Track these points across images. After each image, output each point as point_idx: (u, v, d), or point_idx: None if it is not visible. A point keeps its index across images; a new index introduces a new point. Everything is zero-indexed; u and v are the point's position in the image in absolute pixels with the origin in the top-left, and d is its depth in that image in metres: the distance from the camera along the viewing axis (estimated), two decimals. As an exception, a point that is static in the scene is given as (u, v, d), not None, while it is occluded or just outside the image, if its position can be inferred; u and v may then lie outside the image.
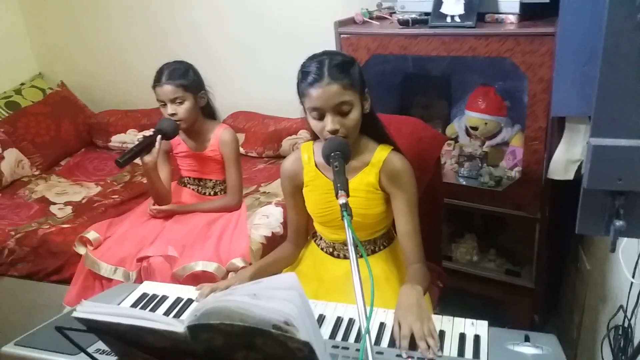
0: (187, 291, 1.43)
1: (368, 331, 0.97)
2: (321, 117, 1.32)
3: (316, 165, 1.48)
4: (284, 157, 2.71)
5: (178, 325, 0.75)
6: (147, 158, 1.87)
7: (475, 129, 2.26)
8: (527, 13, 1.83)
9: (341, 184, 1.19)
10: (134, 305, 1.38)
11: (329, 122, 1.30)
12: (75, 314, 0.79)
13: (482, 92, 2.24)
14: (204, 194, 2.12)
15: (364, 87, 1.35)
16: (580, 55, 1.60)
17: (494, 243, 2.28)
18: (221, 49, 2.97)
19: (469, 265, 2.22)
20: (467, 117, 2.29)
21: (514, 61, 1.77)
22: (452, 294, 1.75)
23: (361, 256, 1.14)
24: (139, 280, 1.86)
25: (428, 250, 1.53)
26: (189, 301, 1.38)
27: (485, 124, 2.23)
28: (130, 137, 3.03)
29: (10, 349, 1.16)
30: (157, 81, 1.93)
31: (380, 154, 1.44)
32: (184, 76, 1.93)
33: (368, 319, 1.00)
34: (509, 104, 2.28)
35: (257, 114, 2.91)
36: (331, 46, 2.42)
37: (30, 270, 2.12)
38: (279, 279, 0.77)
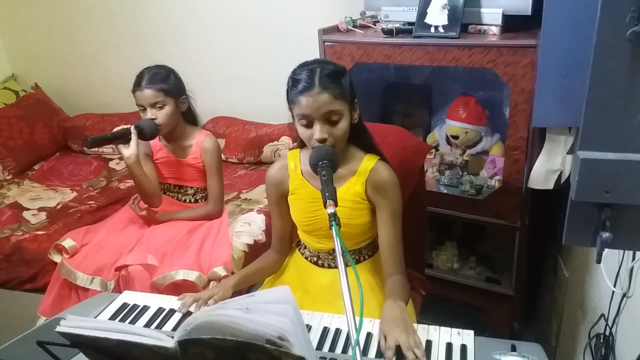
0: (169, 301, 1.40)
1: (358, 343, 0.96)
2: (310, 125, 1.32)
3: (302, 173, 1.47)
4: (265, 163, 2.74)
5: (168, 340, 0.73)
6: (127, 152, 1.82)
7: (455, 137, 2.28)
8: (509, 25, 1.86)
9: (329, 193, 1.18)
10: (114, 316, 1.34)
11: (318, 131, 1.29)
12: (59, 329, 0.77)
13: (463, 102, 2.26)
14: (184, 201, 2.09)
15: (353, 97, 1.35)
16: (562, 67, 1.62)
17: (474, 250, 2.30)
18: (201, 54, 2.94)
19: (450, 272, 2.24)
20: (447, 125, 2.31)
21: (497, 72, 1.79)
22: (433, 301, 1.76)
23: (349, 265, 1.12)
24: (117, 289, 1.82)
25: (411, 258, 1.53)
26: (171, 312, 1.35)
27: (466, 133, 2.25)
28: (107, 142, 2.97)
29: (-15, 362, 1.11)
30: (137, 85, 1.89)
31: (367, 163, 1.43)
32: (164, 80, 1.90)
33: (358, 330, 0.99)
34: (489, 114, 2.31)
35: (238, 120, 2.89)
36: (314, 53, 2.41)
37: (2, 278, 2.05)
38: (272, 293, 0.75)
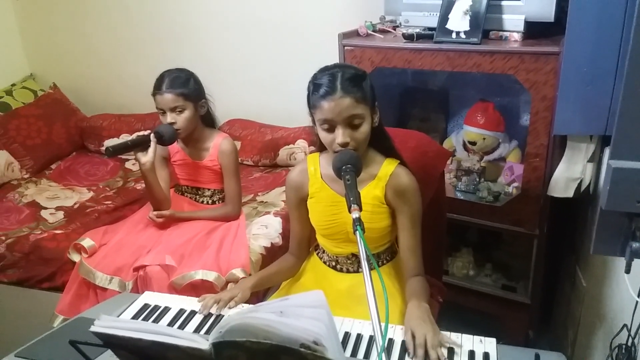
0: (190, 302, 1.40)
1: (384, 349, 0.96)
2: (331, 130, 1.32)
3: (322, 177, 1.48)
4: (281, 166, 2.74)
5: (203, 342, 0.73)
6: (144, 159, 1.84)
7: (473, 143, 2.28)
8: (530, 31, 1.85)
9: (354, 198, 1.18)
10: (136, 316, 1.35)
11: (340, 135, 1.30)
12: (93, 328, 0.77)
13: (482, 108, 2.26)
14: (202, 202, 2.10)
15: (374, 100, 1.35)
16: (585, 75, 1.62)
17: (489, 257, 2.29)
18: (218, 56, 2.95)
19: (465, 279, 2.23)
20: (465, 131, 2.31)
21: (518, 78, 1.79)
22: (447, 308, 1.75)
23: (373, 268, 1.12)
24: (135, 290, 1.83)
25: (429, 265, 1.53)
26: (192, 313, 1.36)
27: (484, 139, 2.25)
28: (123, 142, 2.99)
29: (10, 360, 1.12)
30: (158, 89, 1.90)
31: (387, 167, 1.43)
32: (185, 85, 1.91)
33: (384, 336, 0.99)
34: (505, 120, 2.30)
35: (254, 122, 2.90)
36: (332, 57, 2.41)
37: (20, 276, 2.07)
38: (306, 297, 0.76)
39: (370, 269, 1.11)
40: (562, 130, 1.73)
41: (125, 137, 2.97)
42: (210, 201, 2.10)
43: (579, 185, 1.80)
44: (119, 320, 0.75)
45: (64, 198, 2.54)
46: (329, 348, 0.70)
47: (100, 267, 1.86)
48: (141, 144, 1.84)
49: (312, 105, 1.34)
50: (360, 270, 1.53)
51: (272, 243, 2.00)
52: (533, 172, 1.88)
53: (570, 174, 1.79)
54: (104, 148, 3.00)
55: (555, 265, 2.25)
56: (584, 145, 1.76)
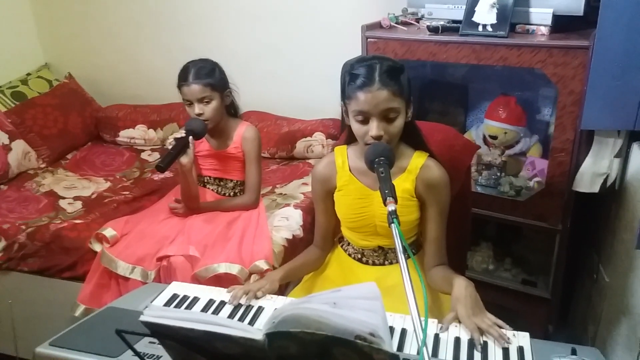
0: (218, 293, 1.40)
1: (425, 343, 0.96)
2: (365, 122, 1.31)
3: (350, 169, 1.47)
4: (298, 159, 2.74)
5: (256, 333, 0.73)
6: (184, 159, 1.84)
7: (494, 137, 2.26)
8: (558, 25, 1.84)
9: (389, 190, 1.17)
10: (166, 305, 1.35)
11: (374, 128, 1.29)
12: (143, 318, 0.77)
13: (503, 102, 2.25)
14: (224, 194, 2.09)
15: (410, 94, 1.34)
16: (615, 70, 1.61)
17: (509, 252, 2.28)
18: (235, 47, 2.93)
19: (485, 274, 2.22)
20: (486, 125, 2.29)
21: (545, 73, 1.77)
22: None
23: (408, 257, 1.11)
24: (157, 279, 1.83)
25: (453, 260, 1.52)
26: (222, 303, 1.36)
27: (505, 133, 2.23)
28: (139, 133, 2.99)
29: (45, 349, 1.12)
30: (184, 80, 1.89)
31: (417, 160, 1.43)
32: (210, 75, 1.90)
33: (424, 330, 0.98)
34: (526, 115, 2.29)
35: (270, 115, 2.89)
36: (351, 50, 2.39)
37: (41, 265, 2.07)
38: (359, 289, 0.75)
39: (407, 261, 1.10)
40: (590, 125, 1.72)
41: (140, 128, 2.99)
42: (232, 193, 2.09)
43: (605, 180, 1.79)
44: (169, 310, 0.75)
45: (81, 188, 2.54)
46: (386, 340, 0.69)
47: (122, 256, 1.86)
48: (183, 149, 1.84)
49: (347, 96, 1.33)
50: (386, 262, 1.53)
51: (293, 235, 1.99)
52: (558, 167, 1.86)
53: (596, 169, 1.78)
54: (118, 138, 3.01)
55: (574, 261, 2.24)
56: (611, 140, 1.75)
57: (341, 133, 1.50)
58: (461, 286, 1.26)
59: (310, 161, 2.65)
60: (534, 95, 2.30)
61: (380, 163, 1.25)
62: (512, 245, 2.30)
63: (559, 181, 1.88)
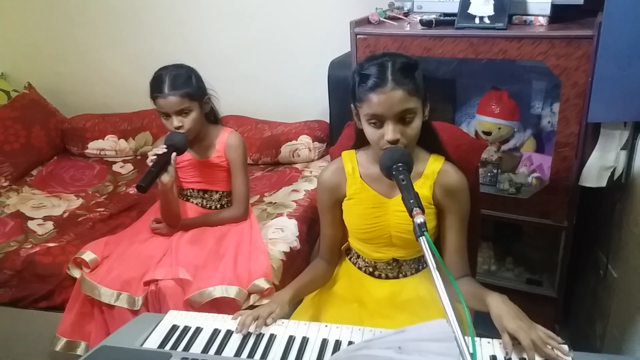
0: (223, 321, 1.26)
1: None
2: (380, 125, 1.20)
3: (361, 176, 1.36)
4: (283, 164, 2.61)
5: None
6: (165, 178, 1.68)
7: (488, 133, 2.19)
8: (556, 15, 1.77)
9: (415, 200, 1.06)
10: (166, 339, 1.21)
11: (390, 131, 1.18)
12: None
13: (495, 96, 2.17)
14: (209, 207, 1.96)
15: (426, 92, 1.24)
16: (621, 59, 1.55)
17: (509, 251, 2.22)
18: (208, 49, 2.78)
19: (487, 274, 2.15)
20: (479, 121, 2.22)
21: (547, 64, 1.70)
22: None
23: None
24: (145, 306, 1.68)
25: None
26: (229, 333, 1.22)
27: (499, 128, 2.16)
28: (109, 144, 2.82)
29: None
30: (159, 91, 1.72)
31: (434, 165, 1.33)
32: (187, 83, 1.75)
33: (474, 355, 0.88)
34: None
35: (249, 119, 2.75)
36: (338, 48, 2.31)
37: (14, 296, 1.88)
38: (428, 328, 0.64)
39: (442, 275, 0.98)
40: (597, 118, 1.66)
41: (110, 139, 2.81)
42: (218, 205, 1.96)
43: (612, 174, 1.74)
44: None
45: (50, 207, 2.35)
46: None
47: (105, 282, 1.70)
48: (164, 166, 1.68)
49: (358, 99, 1.21)
50: (400, 276, 1.44)
51: (291, 247, 1.87)
52: (562, 162, 1.80)
53: (603, 162, 1.72)
54: (87, 151, 2.82)
55: (577, 258, 2.19)
56: (618, 132, 1.69)
57: (356, 138, 1.38)
58: (498, 302, 1.15)
59: (297, 166, 2.54)
60: (525, 88, 2.24)
61: (400, 170, 1.14)
62: (513, 244, 2.24)
63: (563, 176, 1.81)
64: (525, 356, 1.04)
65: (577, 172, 1.77)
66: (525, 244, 2.22)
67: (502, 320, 1.10)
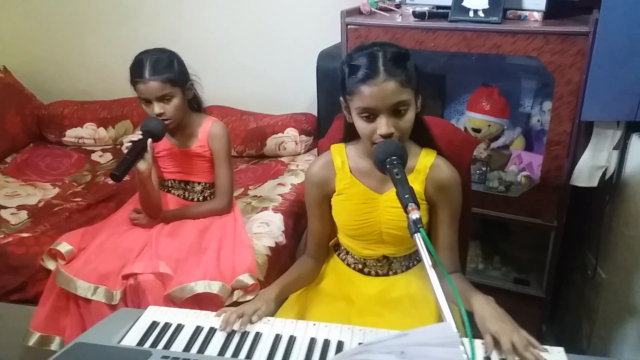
0: (205, 318, 1.21)
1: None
2: (372, 119, 1.15)
3: (351, 170, 1.31)
4: (268, 157, 2.55)
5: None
6: (142, 166, 1.60)
7: (477, 131, 2.16)
8: (551, 11, 1.74)
9: (410, 195, 1.02)
10: (145, 336, 1.15)
11: (383, 125, 1.13)
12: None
13: (486, 93, 2.15)
14: (191, 199, 1.89)
15: (418, 83, 1.19)
16: (618, 58, 1.53)
17: (497, 250, 2.19)
18: (193, 37, 2.69)
19: (474, 273, 2.13)
20: (468, 118, 2.19)
21: (541, 61, 1.67)
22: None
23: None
24: (124, 300, 1.61)
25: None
26: (212, 330, 1.17)
27: (489, 126, 2.14)
28: (88, 132, 2.73)
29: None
30: (139, 76, 1.65)
31: (426, 159, 1.29)
32: (169, 68, 1.68)
33: (472, 355, 0.83)
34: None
35: (234, 109, 2.68)
36: (326, 38, 2.25)
37: (-17, 288, 1.80)
38: (432, 332, 0.60)
39: (437, 273, 0.94)
40: (590, 116, 1.64)
41: (89, 127, 2.72)
42: (200, 197, 1.89)
43: (604, 174, 1.72)
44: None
45: (25, 195, 2.26)
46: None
47: (81, 275, 1.62)
48: (140, 153, 1.60)
49: (348, 91, 1.16)
50: (390, 273, 1.40)
51: (276, 242, 1.81)
52: (553, 160, 1.77)
53: (595, 162, 1.70)
54: (65, 138, 2.73)
55: (564, 257, 2.18)
56: (611, 131, 1.67)
57: (345, 131, 1.33)
58: (482, 303, 1.12)
59: (283, 159, 2.48)
60: (514, 86, 2.22)
61: (394, 163, 1.09)
62: (500, 243, 2.22)
63: (554, 175, 1.79)
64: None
65: (569, 171, 1.75)
66: (512, 242, 2.20)
67: (484, 321, 1.06)
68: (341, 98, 1.22)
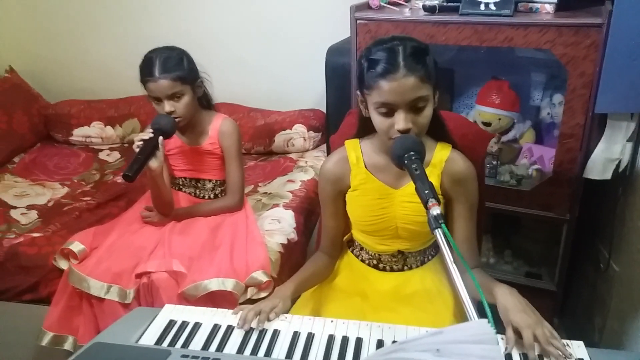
0: (223, 316, 1.20)
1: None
2: (390, 114, 1.14)
3: (366, 166, 1.30)
4: (277, 153, 2.54)
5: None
6: (154, 164, 1.60)
7: (487, 124, 2.15)
8: (563, 3, 1.73)
9: (430, 191, 1.01)
10: (163, 336, 1.14)
11: (402, 120, 1.12)
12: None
13: (496, 86, 2.13)
14: (202, 197, 1.89)
15: (437, 78, 1.18)
16: (632, 49, 1.51)
17: (507, 244, 2.18)
18: (198, 34, 2.69)
19: (486, 267, 2.10)
20: (478, 112, 2.18)
21: (554, 53, 1.66)
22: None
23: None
24: (137, 299, 1.61)
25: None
26: (230, 328, 1.16)
27: (499, 119, 2.13)
28: (95, 131, 2.72)
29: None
30: (149, 75, 1.64)
31: (441, 153, 1.28)
32: (179, 66, 1.68)
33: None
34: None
35: (241, 106, 2.67)
36: (335, 33, 2.24)
37: (-4, 288, 1.80)
38: (467, 329, 0.59)
39: (460, 269, 0.93)
40: (604, 109, 1.62)
41: (96, 126, 2.72)
42: (212, 195, 1.89)
43: (617, 166, 1.71)
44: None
45: (34, 195, 2.26)
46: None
47: (94, 274, 1.62)
48: (152, 152, 1.59)
49: (366, 85, 1.15)
50: (405, 268, 1.39)
51: (288, 239, 1.81)
52: (566, 153, 1.76)
53: (609, 154, 1.69)
54: (72, 138, 2.72)
55: (576, 250, 2.17)
56: (625, 123, 1.66)
57: (359, 126, 1.32)
58: (505, 293, 1.12)
59: (291, 155, 2.47)
60: (523, 79, 2.20)
61: (412, 159, 1.08)
62: (511, 237, 2.21)
63: (567, 168, 1.78)
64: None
65: (582, 164, 1.74)
66: (524, 236, 2.19)
67: (508, 313, 1.06)
68: (358, 92, 1.22)
